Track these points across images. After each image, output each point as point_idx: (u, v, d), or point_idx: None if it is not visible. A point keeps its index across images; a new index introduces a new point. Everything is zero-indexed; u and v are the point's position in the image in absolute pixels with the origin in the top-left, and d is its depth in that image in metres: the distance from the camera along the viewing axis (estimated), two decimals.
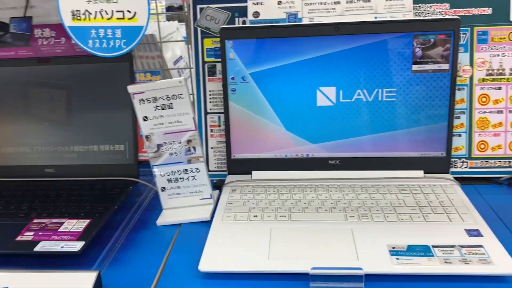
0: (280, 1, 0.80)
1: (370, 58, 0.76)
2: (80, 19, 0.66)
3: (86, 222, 0.68)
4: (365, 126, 0.78)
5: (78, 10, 0.66)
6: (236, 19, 0.83)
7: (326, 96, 0.78)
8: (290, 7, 0.80)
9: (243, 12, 0.82)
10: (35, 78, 0.85)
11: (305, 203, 0.72)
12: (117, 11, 0.66)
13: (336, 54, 0.76)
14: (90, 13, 0.66)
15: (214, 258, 0.60)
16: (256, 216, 0.69)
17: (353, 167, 0.79)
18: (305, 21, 0.81)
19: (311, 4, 0.80)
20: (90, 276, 0.57)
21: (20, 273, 0.59)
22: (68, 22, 0.66)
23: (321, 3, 0.80)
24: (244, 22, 0.83)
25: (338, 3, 0.79)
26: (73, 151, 0.85)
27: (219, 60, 0.83)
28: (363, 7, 0.78)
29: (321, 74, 0.77)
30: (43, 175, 0.85)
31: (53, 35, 0.86)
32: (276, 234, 0.64)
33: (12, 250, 0.64)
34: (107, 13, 0.66)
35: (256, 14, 0.81)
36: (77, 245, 0.62)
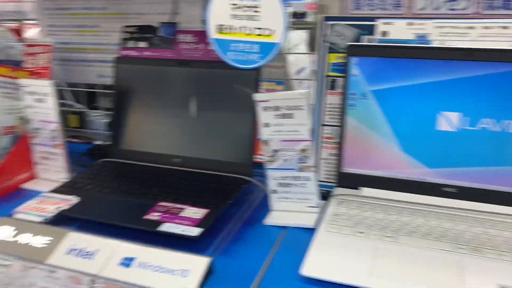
0: (411, 22, 0.80)
1: (501, 87, 0.72)
2: (223, 33, 0.73)
3: (204, 211, 0.75)
4: (488, 156, 0.75)
5: (223, 25, 0.73)
6: (363, 37, 0.85)
7: (449, 121, 0.76)
8: (420, 28, 0.80)
9: (370, 30, 0.84)
10: (174, 78, 0.96)
11: (413, 227, 0.71)
12: (257, 28, 0.72)
13: (465, 80, 0.74)
14: (233, 28, 0.73)
15: (316, 265, 0.63)
16: (361, 232, 0.70)
17: (469, 197, 0.76)
18: (435, 44, 0.79)
19: (442, 27, 0.78)
20: (204, 261, 0.64)
21: (146, 247, 0.68)
22: (213, 34, 0.74)
23: (453, 27, 0.78)
24: (370, 41, 0.84)
25: (473, 28, 0.76)
26: (198, 145, 0.93)
27: (341, 75, 0.85)
28: (500, 34, 0.75)
29: (446, 98, 0.75)
30: (171, 163, 0.95)
31: (194, 41, 0.95)
32: (379, 253, 0.65)
33: (140, 226, 0.73)
34: (248, 29, 0.73)
35: (385, 33, 0.82)
36: (195, 231, 0.70)
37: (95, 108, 1.29)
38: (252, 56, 0.73)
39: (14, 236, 0.73)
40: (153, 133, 0.98)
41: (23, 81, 0.92)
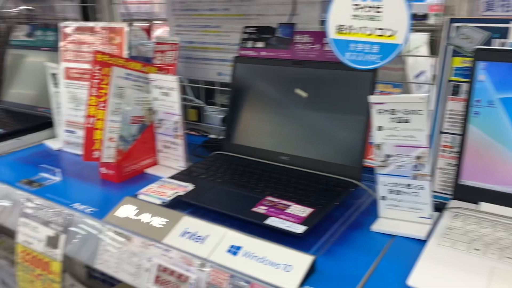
0: None
1: None
2: (343, 33, 0.73)
3: (310, 210, 0.76)
4: None
5: (343, 25, 0.73)
6: (494, 40, 0.78)
7: None
8: None
9: (503, 33, 0.77)
10: (288, 78, 0.98)
11: None
12: (378, 29, 0.71)
13: None
14: (353, 29, 0.72)
15: (425, 277, 0.60)
16: (477, 249, 0.65)
17: None
18: None
19: None
20: (308, 259, 0.64)
21: (252, 238, 0.70)
22: (332, 34, 0.74)
23: None
24: (502, 45, 0.77)
25: None
26: (307, 145, 0.94)
27: (466, 80, 0.80)
28: None
29: None
30: (278, 160, 0.97)
31: (310, 41, 0.96)
32: (497, 274, 0.60)
33: (248, 217, 0.76)
34: (368, 30, 0.72)
35: None
36: (300, 228, 0.70)
37: (212, 104, 1.37)
38: (371, 57, 0.72)
39: (136, 215, 0.80)
40: (264, 130, 1.01)
41: (152, 76, 1.01)
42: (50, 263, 0.87)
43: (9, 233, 1.49)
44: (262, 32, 1.04)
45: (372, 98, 0.73)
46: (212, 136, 1.28)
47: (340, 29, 0.73)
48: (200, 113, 1.38)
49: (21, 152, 1.19)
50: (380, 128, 0.75)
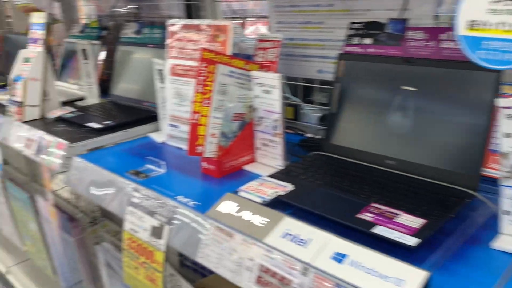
0: None
1: None
2: (475, 29, 0.66)
3: (422, 220, 0.70)
4: None
5: (476, 20, 0.66)
6: None
7: None
8: None
9: None
10: (398, 76, 0.92)
11: None
12: None
13: None
14: (488, 24, 0.65)
15: None
16: None
17: None
18: None
19: None
20: (422, 275, 0.59)
21: (359, 246, 0.66)
22: (462, 31, 0.67)
23: None
24: None
25: None
26: (416, 149, 0.88)
27: None
28: None
29: None
30: (383, 165, 0.91)
31: (425, 38, 0.90)
32: None
33: (353, 224, 0.72)
34: (507, 26, 0.64)
35: None
36: (412, 240, 0.65)
37: (310, 102, 1.34)
38: (508, 56, 0.64)
39: (237, 212, 0.80)
40: (368, 132, 0.96)
41: (254, 73, 1.00)
42: (154, 252, 0.90)
43: (112, 218, 1.60)
44: (370, 28, 0.99)
45: (501, 102, 0.66)
46: (309, 135, 1.25)
47: (472, 25, 0.66)
48: (296, 111, 1.36)
49: (128, 144, 1.26)
50: (508, 135, 0.67)
